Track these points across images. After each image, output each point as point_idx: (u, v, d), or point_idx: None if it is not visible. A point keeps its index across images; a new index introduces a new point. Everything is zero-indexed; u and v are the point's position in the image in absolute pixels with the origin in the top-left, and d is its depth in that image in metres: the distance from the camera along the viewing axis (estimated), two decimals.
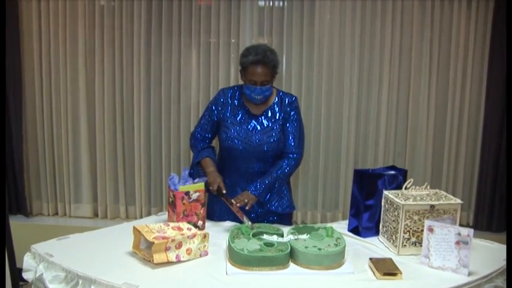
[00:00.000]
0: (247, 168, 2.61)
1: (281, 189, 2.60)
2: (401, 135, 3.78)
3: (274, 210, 2.59)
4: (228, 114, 2.62)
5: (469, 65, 3.64)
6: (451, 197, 2.15)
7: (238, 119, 2.61)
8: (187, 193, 2.27)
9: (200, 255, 2.01)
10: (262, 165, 2.59)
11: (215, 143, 2.79)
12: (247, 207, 2.43)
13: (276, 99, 2.61)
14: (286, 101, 2.61)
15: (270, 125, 2.58)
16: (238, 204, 2.39)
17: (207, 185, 2.42)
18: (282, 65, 3.72)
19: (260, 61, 2.43)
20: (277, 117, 2.59)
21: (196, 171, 2.61)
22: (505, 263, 1.99)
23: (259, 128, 2.58)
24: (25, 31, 3.71)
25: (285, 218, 2.67)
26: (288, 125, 2.59)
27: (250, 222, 2.29)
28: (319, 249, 1.92)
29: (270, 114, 2.59)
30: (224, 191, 2.45)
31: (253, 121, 2.59)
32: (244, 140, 2.56)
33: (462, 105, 3.69)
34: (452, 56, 3.64)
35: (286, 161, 2.57)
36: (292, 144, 2.58)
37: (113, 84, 3.78)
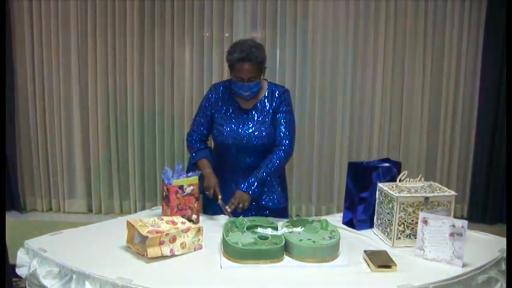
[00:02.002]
0: (239, 163, 2.60)
1: (272, 184, 2.59)
2: (395, 128, 3.78)
3: (264, 205, 2.58)
4: (219, 109, 2.62)
5: (463, 57, 3.64)
6: (445, 189, 2.15)
7: (229, 114, 2.60)
8: (181, 187, 2.27)
9: (194, 249, 2.00)
10: (255, 160, 2.58)
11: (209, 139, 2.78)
12: (244, 207, 2.43)
13: (267, 93, 2.60)
14: (277, 94, 2.59)
15: (261, 118, 2.57)
16: (233, 208, 2.40)
17: (201, 184, 2.41)
18: (275, 57, 3.72)
19: (245, 58, 2.40)
20: (267, 111, 2.58)
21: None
22: (499, 254, 2.00)
23: (250, 122, 2.57)
24: (17, 25, 3.69)
25: (281, 213, 2.65)
26: (278, 116, 2.58)
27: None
28: (314, 242, 1.92)
29: (260, 108, 2.58)
30: (220, 196, 2.44)
31: (244, 115, 2.59)
32: (236, 134, 2.55)
33: (456, 98, 3.70)
34: (446, 48, 3.64)
35: (275, 154, 2.55)
36: (282, 136, 2.56)
37: (106, 79, 3.76)
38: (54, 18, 3.68)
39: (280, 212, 2.67)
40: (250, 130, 2.56)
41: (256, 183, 2.48)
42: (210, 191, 2.47)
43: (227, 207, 2.40)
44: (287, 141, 2.57)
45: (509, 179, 3.07)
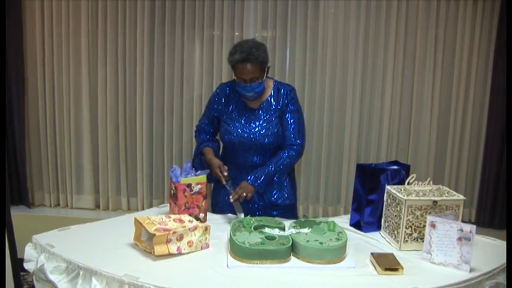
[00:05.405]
0: (247, 162, 2.61)
1: (281, 180, 2.59)
2: (404, 131, 3.77)
3: (273, 201, 2.59)
4: (226, 109, 2.63)
5: (474, 62, 3.61)
6: (454, 193, 2.14)
7: (236, 113, 2.61)
8: (189, 185, 2.27)
9: (201, 248, 2.01)
10: (262, 158, 2.59)
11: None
12: (247, 198, 2.43)
13: (273, 92, 2.60)
14: (283, 92, 2.59)
15: (268, 117, 2.57)
16: (236, 197, 2.40)
17: (208, 175, 2.42)
18: (285, 57, 3.72)
19: (246, 59, 2.41)
20: (274, 110, 2.58)
21: (198, 161, 2.64)
22: None
23: (256, 121, 2.57)
24: (28, 24, 3.73)
25: (289, 212, 2.66)
26: (286, 116, 2.58)
27: (242, 215, 2.36)
28: (321, 243, 1.92)
29: (266, 107, 2.58)
30: (225, 173, 2.46)
31: (251, 115, 2.59)
32: (242, 133, 2.56)
33: (466, 102, 3.68)
34: (457, 51, 3.62)
35: (286, 153, 2.55)
36: (292, 135, 2.57)
37: (116, 76, 3.78)
38: (65, 17, 3.70)
39: (289, 208, 2.68)
40: (257, 129, 2.56)
41: (263, 177, 2.48)
42: (217, 171, 2.48)
43: (231, 197, 2.40)
44: (299, 141, 2.58)
45: (509, 180, 3.05)
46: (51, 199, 3.97)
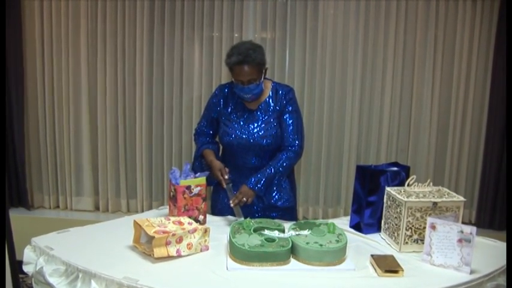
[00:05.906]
0: (246, 164, 2.61)
1: (281, 182, 2.59)
2: (404, 132, 3.76)
3: (273, 203, 2.58)
4: (224, 110, 2.63)
5: (474, 62, 3.61)
6: (454, 194, 2.14)
7: (234, 114, 2.61)
8: (188, 187, 2.26)
9: (201, 250, 2.00)
10: (260, 160, 2.59)
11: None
12: (248, 202, 2.43)
13: (271, 93, 2.60)
14: (281, 93, 2.59)
15: (266, 118, 2.56)
16: (236, 202, 2.40)
17: (208, 178, 2.41)
18: (285, 59, 3.72)
19: (243, 61, 2.40)
20: (272, 111, 2.57)
21: (198, 165, 2.64)
22: None
23: (255, 122, 2.57)
24: (27, 24, 3.72)
25: (289, 214, 2.65)
26: (284, 117, 2.57)
27: (242, 218, 2.35)
28: (321, 245, 1.91)
29: (265, 108, 2.58)
30: (226, 177, 2.45)
31: (250, 116, 2.59)
32: (241, 135, 2.56)
33: (466, 102, 3.67)
34: (457, 52, 3.61)
35: (285, 154, 2.54)
36: (291, 137, 2.56)
37: (115, 77, 3.78)
38: (65, 17, 3.70)
39: (288, 210, 2.67)
40: (256, 130, 2.56)
41: (263, 180, 2.47)
42: (217, 173, 2.48)
43: (231, 201, 2.40)
44: (297, 142, 2.57)
45: (509, 180, 3.05)
46: (50, 201, 3.97)
